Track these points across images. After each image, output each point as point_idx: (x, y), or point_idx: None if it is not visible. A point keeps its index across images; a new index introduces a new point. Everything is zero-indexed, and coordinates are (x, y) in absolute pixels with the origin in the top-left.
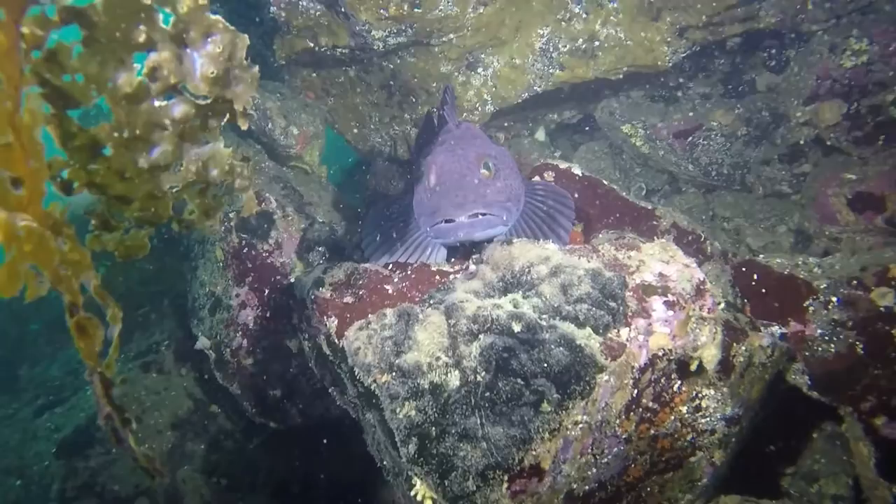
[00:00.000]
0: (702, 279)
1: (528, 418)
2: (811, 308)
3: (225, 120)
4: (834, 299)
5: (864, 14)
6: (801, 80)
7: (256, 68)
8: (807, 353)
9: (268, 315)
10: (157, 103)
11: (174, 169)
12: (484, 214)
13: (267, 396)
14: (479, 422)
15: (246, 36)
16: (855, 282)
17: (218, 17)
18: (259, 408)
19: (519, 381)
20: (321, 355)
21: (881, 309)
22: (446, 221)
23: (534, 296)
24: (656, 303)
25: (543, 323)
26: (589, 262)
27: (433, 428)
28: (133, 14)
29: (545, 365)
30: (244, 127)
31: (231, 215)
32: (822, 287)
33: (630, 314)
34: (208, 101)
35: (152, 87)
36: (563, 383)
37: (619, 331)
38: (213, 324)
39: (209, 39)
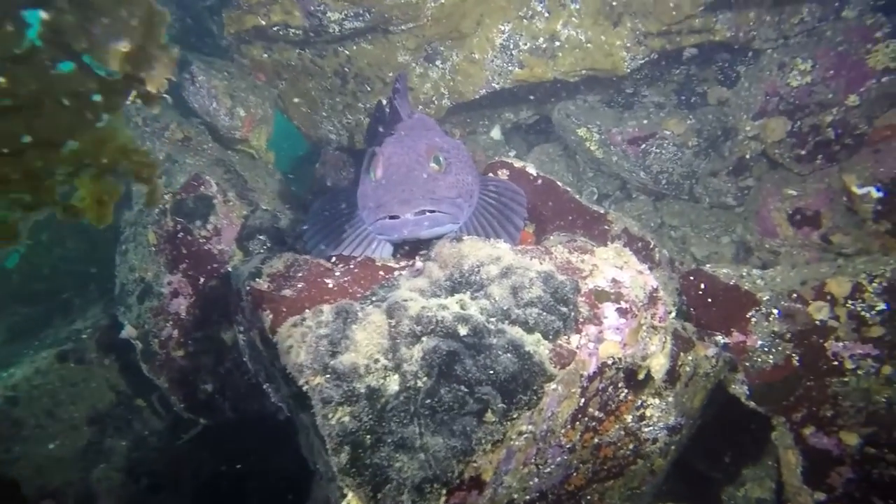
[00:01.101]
0: (655, 287)
1: (470, 428)
2: (753, 319)
3: (131, 99)
4: (775, 311)
5: (810, 37)
6: (750, 95)
7: (176, 49)
8: (747, 364)
9: (202, 305)
10: (54, 72)
11: (64, 148)
12: (432, 211)
13: (197, 391)
14: (417, 431)
15: (167, 11)
16: (794, 295)
17: None
18: (188, 402)
19: (463, 388)
20: (255, 350)
21: (817, 322)
22: (391, 217)
23: (482, 297)
24: (608, 310)
25: (491, 327)
26: (541, 264)
27: (368, 436)
28: None
29: (491, 372)
30: (155, 111)
31: (167, 197)
32: (764, 299)
33: (581, 320)
34: (116, 77)
35: (48, 51)
36: (509, 392)
37: (569, 337)
38: (141, 312)
39: (123, 8)
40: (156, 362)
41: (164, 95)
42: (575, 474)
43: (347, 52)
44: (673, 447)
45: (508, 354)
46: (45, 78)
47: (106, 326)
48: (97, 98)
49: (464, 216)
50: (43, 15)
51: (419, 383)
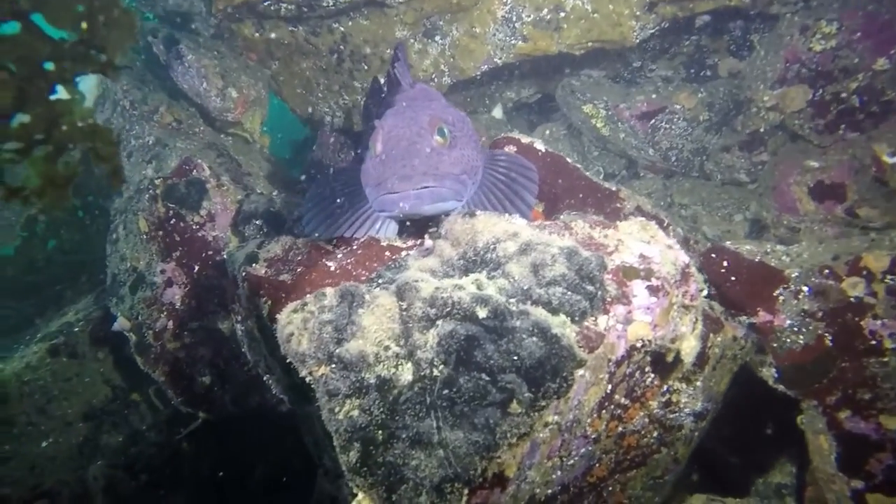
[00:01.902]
0: (686, 262)
1: (494, 421)
2: (781, 297)
3: (89, 69)
4: (805, 289)
5: None
6: (768, 63)
7: (136, 16)
8: (775, 345)
9: (197, 294)
10: None
11: (12, 121)
12: (436, 187)
13: (195, 383)
14: (435, 425)
15: None
16: (826, 271)
17: None
18: (186, 396)
19: (484, 376)
20: (254, 340)
21: (851, 299)
22: (392, 194)
23: (500, 276)
24: (638, 287)
25: (513, 308)
26: (562, 239)
27: (380, 431)
28: None
29: (515, 358)
30: (114, 80)
31: (157, 181)
32: (793, 276)
33: (609, 300)
34: (69, 41)
35: None
36: (536, 380)
37: (596, 319)
38: (134, 303)
39: None
40: (151, 355)
41: (127, 65)
42: (598, 465)
43: (343, 29)
44: (697, 434)
45: (534, 338)
46: None
47: (98, 318)
48: (49, 66)
49: (467, 193)
50: None
51: (435, 372)
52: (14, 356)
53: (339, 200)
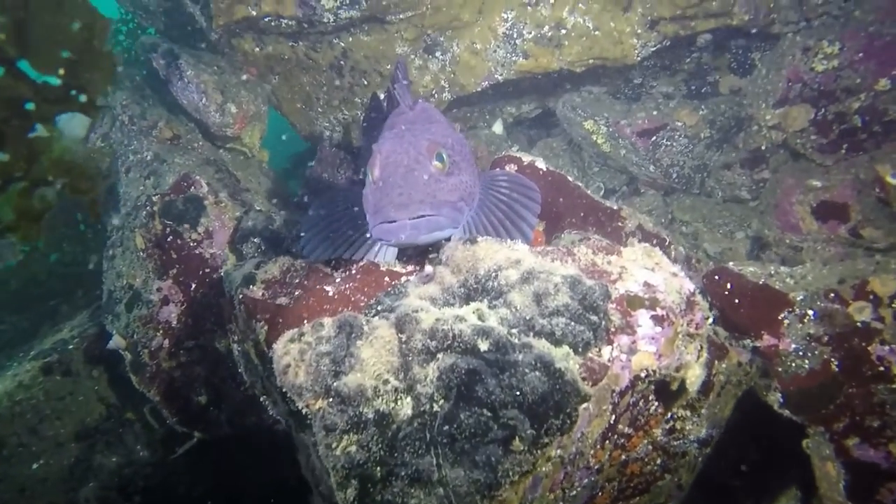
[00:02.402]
0: (692, 290)
1: (495, 458)
2: (786, 321)
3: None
4: (810, 312)
5: (836, 18)
6: (769, 81)
7: (117, 59)
8: (779, 369)
9: (194, 313)
10: None
11: None
12: (432, 215)
13: (191, 403)
14: (435, 462)
15: (109, 19)
16: (832, 294)
17: None
18: (181, 415)
19: (485, 411)
20: (250, 362)
21: (858, 324)
22: (389, 222)
23: (502, 305)
24: (643, 317)
25: (515, 340)
26: (565, 267)
27: (378, 468)
28: None
29: (518, 393)
30: (94, 119)
31: (155, 198)
32: (797, 299)
33: (612, 330)
34: (53, 84)
35: None
36: (539, 416)
37: (600, 349)
38: (129, 321)
39: (63, 13)
40: (146, 374)
41: (105, 104)
42: (600, 494)
43: (343, 45)
44: (701, 459)
45: (536, 372)
46: None
47: (93, 335)
48: (30, 106)
49: (464, 219)
50: None
51: (435, 407)
52: (6, 374)
53: (338, 222)
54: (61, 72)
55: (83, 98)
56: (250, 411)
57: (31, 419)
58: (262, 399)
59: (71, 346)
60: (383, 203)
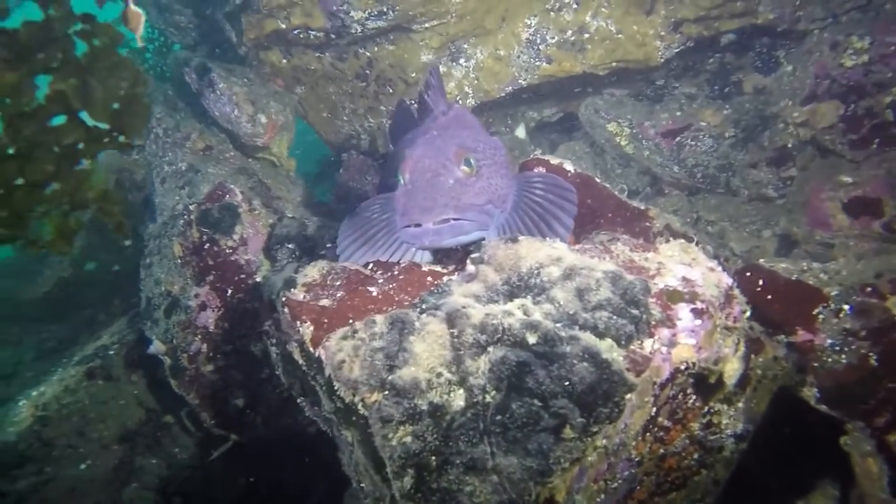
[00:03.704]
0: (730, 284)
1: (547, 446)
2: (821, 316)
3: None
4: (846, 307)
5: (865, 13)
6: (796, 79)
7: (150, 105)
8: (815, 365)
9: (230, 317)
10: (49, 124)
11: (47, 189)
12: (457, 219)
13: (228, 406)
14: (488, 450)
15: (150, 77)
16: (869, 289)
17: (127, 56)
18: (219, 418)
19: (536, 401)
20: (291, 363)
21: None
22: (416, 226)
23: (545, 301)
24: (683, 311)
25: (563, 333)
26: (604, 263)
27: (433, 457)
28: (51, 40)
29: (567, 383)
30: (127, 154)
31: (191, 207)
32: (832, 294)
33: (653, 323)
34: (103, 128)
35: (50, 108)
36: (588, 405)
37: (642, 342)
38: (168, 326)
39: (116, 74)
40: (185, 378)
41: (140, 143)
42: (639, 488)
43: (368, 54)
44: (736, 455)
45: (584, 363)
46: (41, 130)
47: (132, 342)
48: (80, 146)
49: (494, 223)
50: (51, 81)
51: (488, 398)
52: (52, 379)
53: (374, 226)
54: (110, 120)
55: (122, 138)
56: (285, 414)
57: (77, 422)
58: (299, 400)
59: (111, 352)
60: (409, 206)
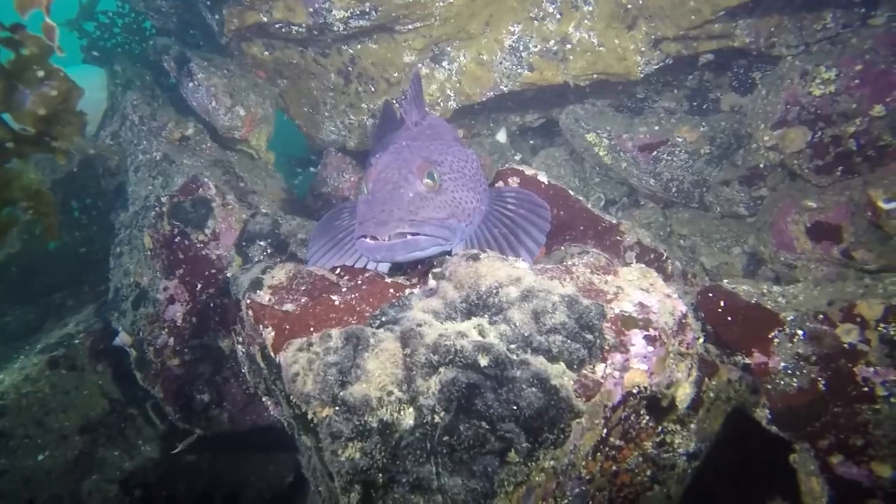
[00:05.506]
0: (684, 312)
1: (492, 469)
2: (776, 340)
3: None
4: (800, 332)
5: (834, 44)
6: (769, 102)
7: (86, 116)
8: (769, 387)
9: (199, 312)
10: None
11: None
12: (416, 233)
13: (193, 401)
14: (434, 470)
15: (83, 88)
16: (821, 316)
17: (59, 67)
18: (184, 412)
19: (484, 424)
20: (255, 364)
21: (845, 346)
22: (372, 238)
23: (502, 322)
24: (636, 337)
25: (514, 357)
26: (563, 286)
27: (380, 475)
28: None
29: (514, 407)
30: (62, 162)
31: (164, 199)
32: (788, 319)
33: (607, 348)
34: (29, 132)
35: None
36: (534, 430)
37: (594, 367)
38: (136, 318)
39: (46, 83)
40: (151, 371)
41: (73, 152)
42: (591, 502)
43: (351, 52)
44: (689, 472)
45: (533, 388)
46: None
47: (99, 331)
48: (10, 145)
49: (457, 237)
50: None
51: (436, 418)
52: (13, 367)
53: (342, 232)
54: (38, 125)
55: (54, 143)
56: (251, 410)
57: (37, 412)
58: (264, 399)
59: (77, 341)
60: (367, 217)
